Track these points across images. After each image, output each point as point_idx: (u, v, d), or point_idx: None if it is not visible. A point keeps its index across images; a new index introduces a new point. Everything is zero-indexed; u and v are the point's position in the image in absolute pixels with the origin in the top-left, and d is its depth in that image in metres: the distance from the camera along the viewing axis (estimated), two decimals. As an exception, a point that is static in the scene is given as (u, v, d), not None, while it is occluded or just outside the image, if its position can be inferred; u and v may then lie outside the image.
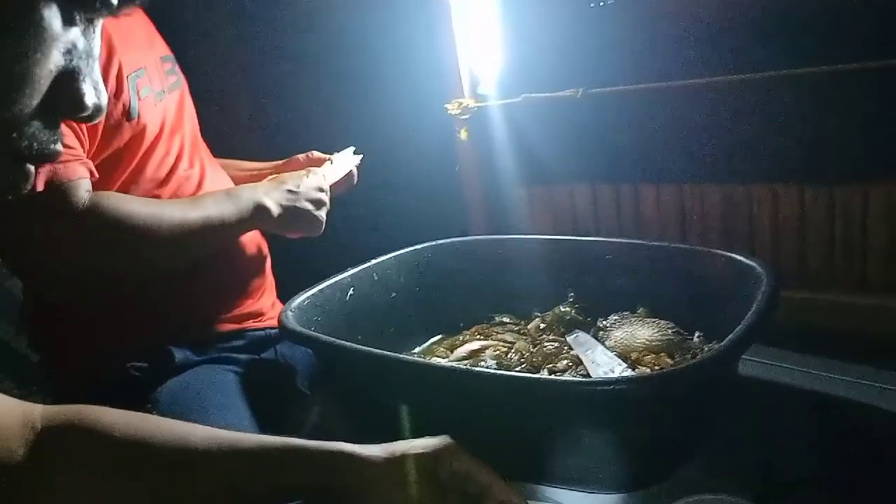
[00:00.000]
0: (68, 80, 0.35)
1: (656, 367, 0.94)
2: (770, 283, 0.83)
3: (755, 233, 1.16)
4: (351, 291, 1.12)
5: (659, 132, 1.26)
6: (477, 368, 0.94)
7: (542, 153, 1.42)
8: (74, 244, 0.88)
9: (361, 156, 1.25)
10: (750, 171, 1.16)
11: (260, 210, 1.03)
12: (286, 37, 1.24)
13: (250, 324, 1.12)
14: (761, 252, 1.14)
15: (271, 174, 1.21)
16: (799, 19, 1.04)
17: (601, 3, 1.25)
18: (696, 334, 0.99)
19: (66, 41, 0.34)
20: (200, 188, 1.08)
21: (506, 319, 1.20)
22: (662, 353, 0.97)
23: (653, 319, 1.04)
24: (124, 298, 0.99)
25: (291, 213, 1.08)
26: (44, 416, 0.61)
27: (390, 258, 1.20)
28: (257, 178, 1.22)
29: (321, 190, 1.12)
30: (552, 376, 0.92)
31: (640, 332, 1.02)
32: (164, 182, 1.01)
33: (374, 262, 1.19)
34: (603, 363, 0.98)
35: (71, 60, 0.35)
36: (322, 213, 1.12)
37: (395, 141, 1.48)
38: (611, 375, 0.86)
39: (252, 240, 1.13)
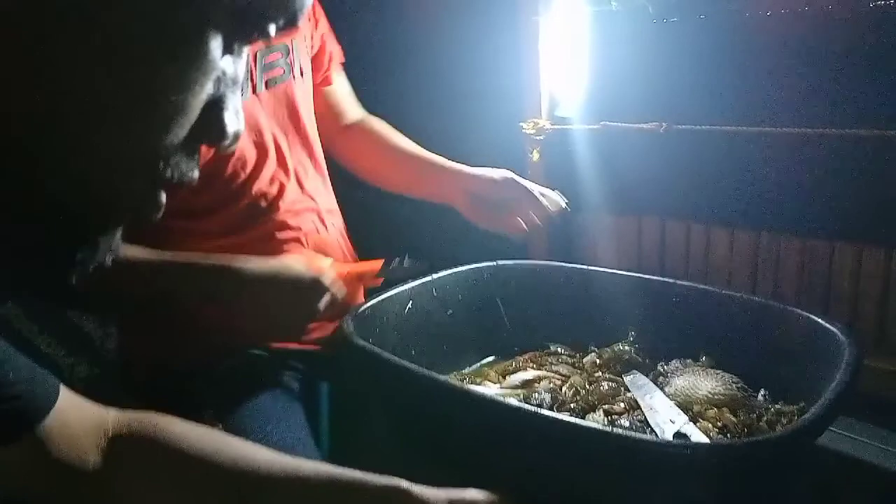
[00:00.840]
0: (214, 108, 0.34)
1: (719, 424, 0.90)
2: (854, 353, 0.80)
3: (833, 292, 1.11)
4: (409, 305, 1.11)
5: (740, 175, 1.22)
6: (550, 414, 0.92)
7: (613, 182, 1.39)
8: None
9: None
10: (833, 228, 1.11)
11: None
12: (368, 40, 1.24)
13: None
14: (838, 313, 1.09)
15: (447, 182, 1.16)
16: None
17: (682, 31, 1.22)
18: (762, 392, 0.96)
19: (218, 69, 0.33)
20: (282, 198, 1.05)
21: (560, 350, 1.18)
22: (725, 409, 0.93)
23: (716, 371, 1.01)
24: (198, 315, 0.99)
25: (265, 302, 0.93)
26: (116, 423, 0.61)
27: (450, 274, 1.19)
28: (433, 181, 1.18)
29: (314, 291, 0.94)
30: (623, 430, 0.89)
31: (703, 382, 0.99)
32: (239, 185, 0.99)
33: (434, 276, 1.18)
34: (662, 410, 0.95)
35: (219, 88, 0.34)
36: (302, 323, 0.98)
37: (465, 153, 1.47)
38: (692, 442, 0.82)
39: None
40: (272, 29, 0.35)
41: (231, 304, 0.92)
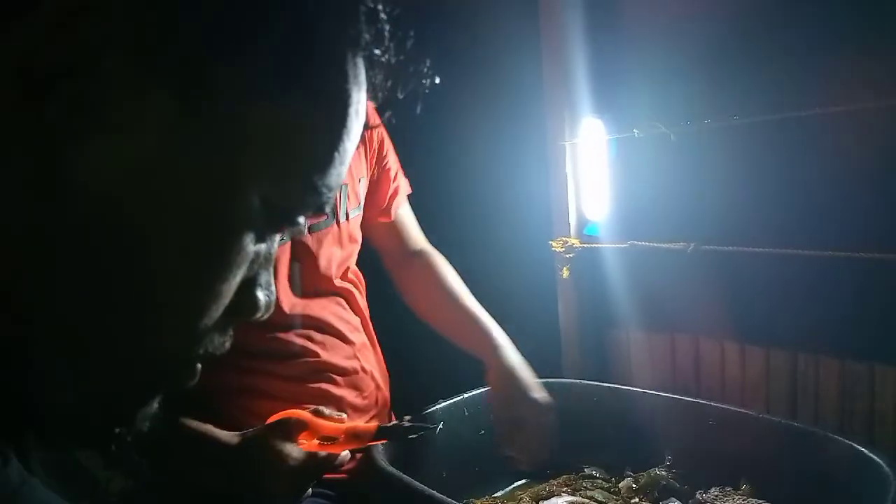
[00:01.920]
0: (247, 286, 0.36)
1: (762, 560, 0.86)
2: (900, 488, 0.77)
3: (876, 417, 1.07)
4: (441, 425, 1.11)
5: (772, 294, 1.21)
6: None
7: (645, 298, 1.39)
8: None
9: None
10: (874, 350, 1.08)
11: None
12: (408, 159, 1.30)
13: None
14: (882, 440, 1.05)
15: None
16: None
17: (705, 156, 1.25)
18: (807, 524, 0.92)
19: (252, 255, 0.35)
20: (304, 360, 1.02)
21: (595, 473, 1.15)
22: (768, 543, 0.90)
23: (758, 501, 0.97)
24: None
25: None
26: None
27: (481, 393, 1.19)
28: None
29: (295, 473, 0.90)
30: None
31: (744, 512, 0.95)
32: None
33: (465, 395, 1.18)
34: (701, 544, 0.92)
35: (253, 269, 0.36)
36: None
37: (497, 271, 1.50)
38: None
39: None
40: (301, 220, 0.37)
41: (203, 475, 0.90)
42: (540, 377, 1.22)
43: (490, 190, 1.56)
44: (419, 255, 1.25)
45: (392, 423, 1.02)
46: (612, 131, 1.38)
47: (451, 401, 1.15)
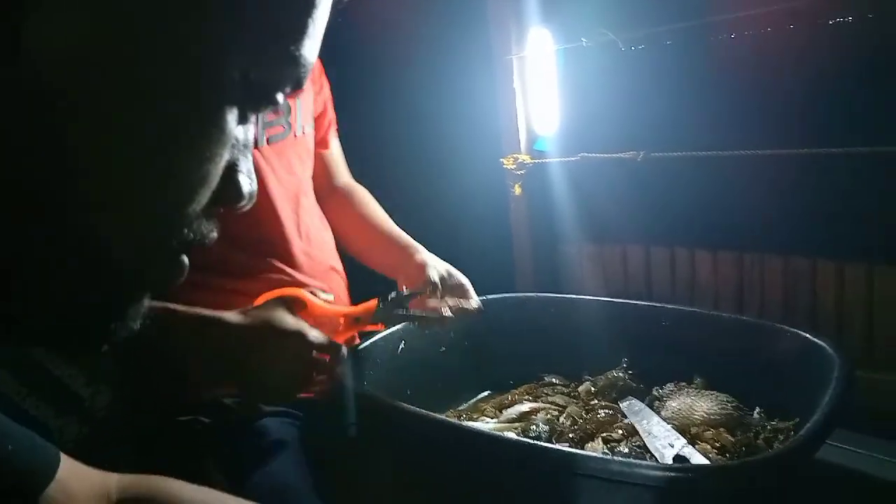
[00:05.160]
0: (230, 172, 0.36)
1: (717, 444, 0.91)
2: (845, 367, 0.81)
3: (819, 308, 1.13)
4: (402, 345, 1.11)
5: (719, 198, 1.24)
6: (548, 445, 0.92)
7: (596, 212, 1.41)
8: None
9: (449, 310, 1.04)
10: (815, 245, 1.13)
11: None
12: (348, 83, 1.26)
13: None
14: (824, 328, 1.11)
15: (399, 264, 1.12)
16: (879, 93, 1.03)
17: (654, 62, 1.25)
18: (756, 410, 0.97)
19: (233, 138, 0.35)
20: (272, 244, 1.04)
21: (555, 380, 1.18)
22: (722, 429, 0.94)
23: (710, 392, 1.02)
24: None
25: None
26: (120, 488, 0.61)
27: (442, 311, 1.20)
28: (392, 256, 1.15)
29: (302, 357, 0.86)
30: (624, 458, 0.89)
31: (698, 404, 1.00)
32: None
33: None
34: (660, 435, 0.96)
35: (234, 154, 0.36)
36: (296, 385, 0.89)
37: (448, 191, 1.49)
38: (694, 465, 0.83)
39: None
40: (280, 97, 0.36)
41: (213, 361, 0.85)
42: (495, 294, 1.24)
43: (436, 110, 1.53)
44: (345, 187, 1.29)
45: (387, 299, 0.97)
46: (561, 41, 1.36)
47: (411, 320, 1.15)
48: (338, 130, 1.28)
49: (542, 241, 1.49)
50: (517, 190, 1.44)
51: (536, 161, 1.43)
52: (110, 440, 1.10)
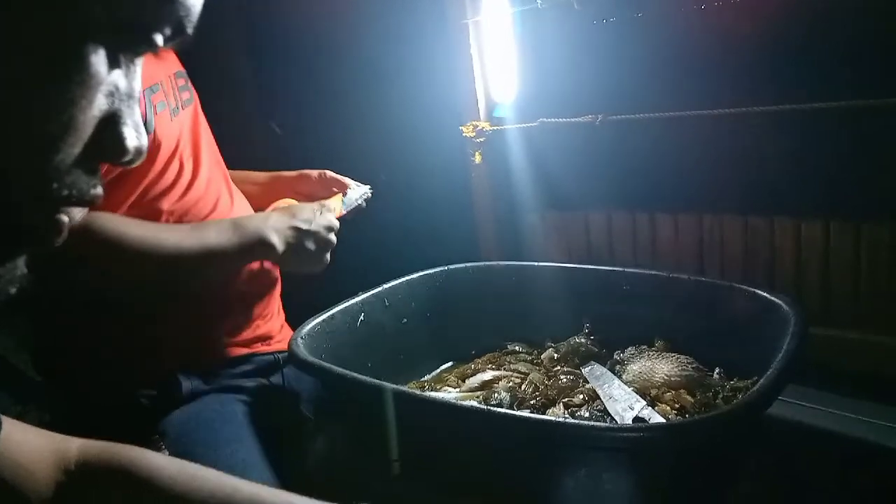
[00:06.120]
0: (110, 123, 0.33)
1: (677, 405, 0.91)
2: (799, 323, 0.81)
3: (777, 267, 1.13)
4: (362, 317, 1.09)
5: (678, 161, 1.24)
6: (502, 411, 0.91)
7: (557, 178, 1.40)
8: (67, 264, 0.85)
9: (369, 187, 1.22)
10: (772, 204, 1.13)
11: (263, 245, 0.98)
12: (300, 53, 1.22)
13: (259, 347, 1.10)
14: (782, 286, 1.11)
15: (277, 189, 1.20)
16: (830, 52, 1.02)
17: (611, 23, 1.23)
18: (717, 370, 0.97)
19: (109, 84, 0.32)
20: (216, 211, 1.05)
21: (518, 348, 1.18)
22: (682, 390, 0.94)
23: (671, 354, 1.02)
24: (130, 323, 0.97)
25: (295, 251, 1.02)
26: (82, 453, 0.58)
27: (402, 283, 1.18)
28: (268, 192, 1.20)
29: (331, 229, 1.06)
30: (572, 419, 0.89)
31: (659, 366, 1.00)
32: (177, 202, 0.98)
33: (385, 286, 1.16)
34: (620, 398, 0.96)
35: (113, 103, 0.33)
36: (327, 255, 1.07)
37: (407, 162, 1.46)
38: (645, 424, 0.82)
39: (263, 264, 1.10)
40: (159, 39, 0.34)
41: (256, 251, 0.99)
42: (457, 264, 1.23)
43: (392, 78, 1.50)
44: None
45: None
46: (517, 3, 1.32)
47: (371, 292, 1.14)
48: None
49: (504, 208, 1.47)
50: (477, 158, 1.42)
51: (496, 128, 1.40)
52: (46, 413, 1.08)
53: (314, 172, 1.22)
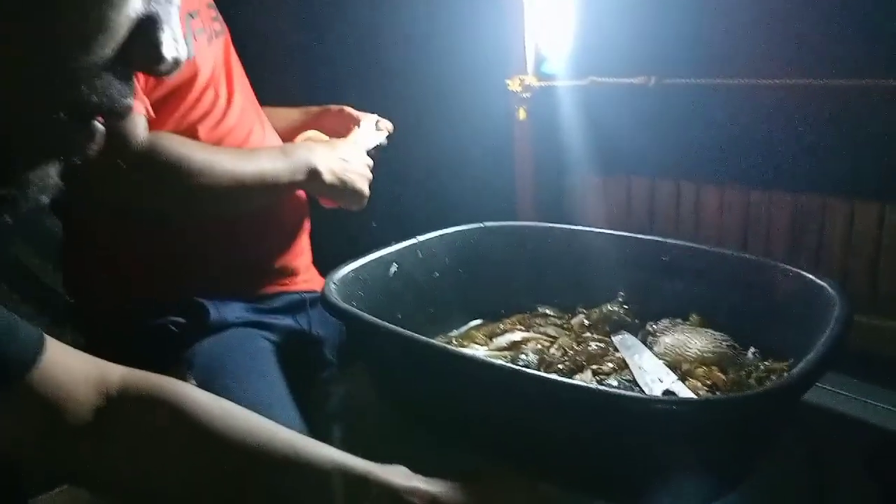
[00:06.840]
0: (146, 28, 0.31)
1: (708, 382, 0.89)
2: (845, 309, 0.78)
3: (824, 248, 1.09)
4: (394, 268, 1.09)
5: (730, 131, 1.19)
6: (534, 372, 0.90)
7: (602, 141, 1.36)
8: (127, 182, 0.86)
9: (386, 132, 1.21)
10: (825, 183, 1.08)
11: (313, 174, 1.01)
12: (347, 8, 1.19)
13: (286, 284, 1.10)
14: (829, 269, 1.07)
15: (304, 124, 1.21)
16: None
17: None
18: (752, 350, 0.94)
19: None
20: (249, 143, 1.05)
21: (548, 312, 1.16)
22: (714, 367, 0.92)
23: (706, 329, 0.99)
24: (162, 243, 0.98)
25: (341, 183, 1.05)
26: (124, 381, 0.59)
27: (436, 237, 1.17)
28: (296, 126, 1.22)
29: (368, 165, 1.09)
30: (602, 386, 0.88)
31: (692, 341, 0.97)
32: (212, 130, 0.98)
33: (419, 239, 1.15)
34: (650, 370, 0.94)
35: (150, 5, 0.31)
36: (367, 188, 1.09)
37: (449, 113, 1.44)
38: (677, 398, 0.81)
39: (297, 195, 1.10)
40: None
41: (304, 180, 1.01)
42: (494, 221, 1.21)
43: (437, 27, 1.46)
44: None
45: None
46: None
47: (405, 244, 1.13)
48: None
49: (545, 168, 1.44)
50: (521, 114, 1.38)
51: (543, 83, 1.36)
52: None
53: (334, 107, 1.23)
